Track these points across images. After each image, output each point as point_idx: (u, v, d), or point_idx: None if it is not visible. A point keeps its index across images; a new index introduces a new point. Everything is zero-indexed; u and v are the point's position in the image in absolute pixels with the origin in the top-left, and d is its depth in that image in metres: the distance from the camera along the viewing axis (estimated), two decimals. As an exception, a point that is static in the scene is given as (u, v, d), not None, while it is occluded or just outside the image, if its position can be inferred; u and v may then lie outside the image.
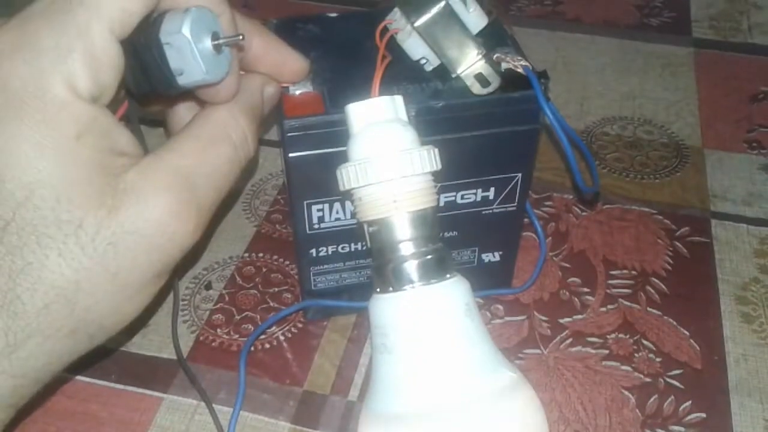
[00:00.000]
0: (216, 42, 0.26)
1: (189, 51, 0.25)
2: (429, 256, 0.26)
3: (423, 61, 0.32)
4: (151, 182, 0.25)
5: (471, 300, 0.27)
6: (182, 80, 0.26)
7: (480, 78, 0.30)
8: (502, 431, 0.25)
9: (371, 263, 0.28)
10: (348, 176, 0.27)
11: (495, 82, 0.31)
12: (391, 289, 0.26)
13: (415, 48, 0.31)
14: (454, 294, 0.27)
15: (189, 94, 0.29)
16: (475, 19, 0.31)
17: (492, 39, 0.32)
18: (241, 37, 0.27)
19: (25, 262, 0.24)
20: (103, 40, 0.24)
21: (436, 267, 0.27)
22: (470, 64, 0.30)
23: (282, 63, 0.31)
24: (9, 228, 0.23)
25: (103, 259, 0.25)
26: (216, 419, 0.32)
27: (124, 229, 0.25)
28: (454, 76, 0.31)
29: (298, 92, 0.31)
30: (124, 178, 0.25)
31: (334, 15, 0.37)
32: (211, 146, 0.27)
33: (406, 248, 0.27)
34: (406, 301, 0.26)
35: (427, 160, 0.27)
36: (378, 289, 0.27)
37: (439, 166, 0.27)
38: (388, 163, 0.26)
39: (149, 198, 0.25)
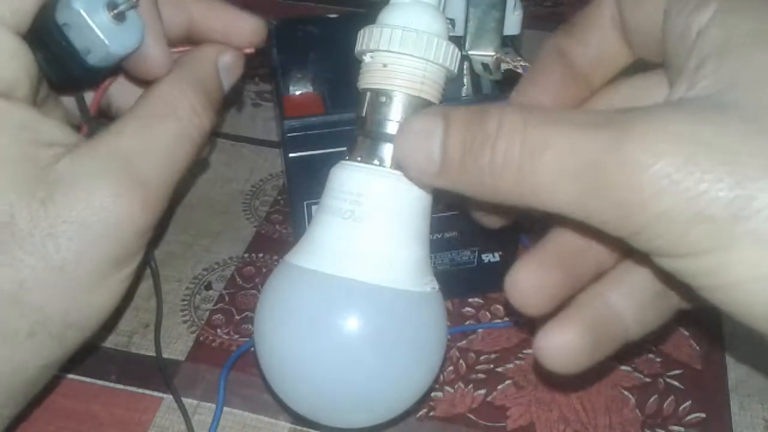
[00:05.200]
0: (115, 11, 0.24)
1: (86, 26, 0.24)
2: None
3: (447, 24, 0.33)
4: (86, 168, 0.24)
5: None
6: (92, 59, 0.25)
7: (485, 67, 0.31)
8: (426, 326, 0.27)
9: (356, 131, 0.27)
10: (390, 38, 0.25)
11: (496, 76, 0.31)
12: (376, 162, 0.26)
13: (457, 3, 0.31)
14: (427, 190, 0.27)
15: (120, 72, 0.28)
16: (513, 22, 0.32)
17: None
18: (133, 1, 0.25)
19: None
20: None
21: None
22: (484, 53, 0.31)
23: (229, 26, 0.30)
24: None
25: (45, 253, 0.24)
26: (186, 416, 0.33)
27: (62, 220, 0.24)
28: (464, 53, 0.31)
29: (298, 92, 0.31)
30: (55, 168, 0.24)
31: (334, 16, 0.38)
32: (153, 123, 0.26)
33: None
34: (395, 179, 0.26)
35: (458, 62, 0.27)
36: (359, 158, 0.26)
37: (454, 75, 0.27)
38: (439, 45, 0.25)
39: (84, 184, 0.24)
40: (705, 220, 0.18)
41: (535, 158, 0.19)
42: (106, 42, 0.24)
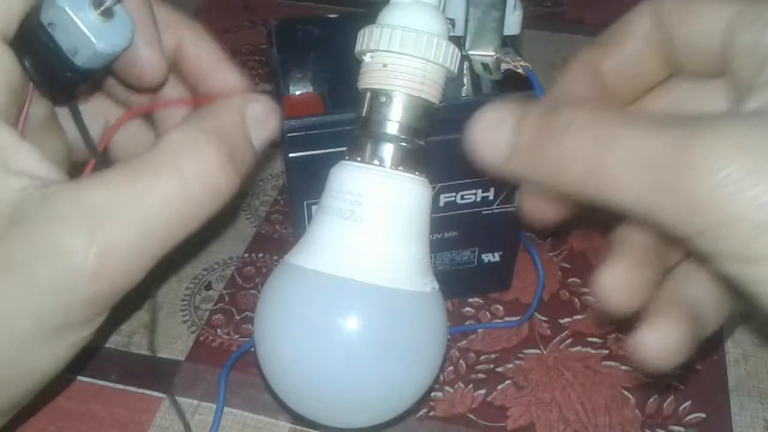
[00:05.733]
0: (102, 8, 0.23)
1: (71, 23, 0.23)
2: (416, 147, 0.26)
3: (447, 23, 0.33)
4: (50, 211, 0.21)
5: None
6: (80, 59, 0.24)
7: (485, 66, 0.31)
8: (426, 326, 0.27)
9: (356, 131, 0.27)
10: (390, 38, 0.25)
11: (496, 76, 0.31)
12: (376, 162, 0.26)
13: (457, 3, 0.31)
14: (428, 190, 0.27)
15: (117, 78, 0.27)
16: (513, 22, 0.32)
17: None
18: None
19: None
20: None
21: (415, 161, 0.27)
22: (484, 53, 0.31)
23: (216, 68, 0.28)
24: None
25: None
26: (183, 417, 0.33)
27: (7, 261, 0.21)
28: (464, 53, 0.31)
29: (298, 92, 0.31)
30: (17, 201, 0.21)
31: (334, 16, 0.38)
32: (145, 177, 0.22)
33: (402, 130, 0.26)
34: (395, 179, 0.26)
35: (457, 62, 0.26)
36: (359, 158, 0.26)
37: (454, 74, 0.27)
38: (439, 45, 0.25)
39: (42, 230, 0.21)
40: None
41: (604, 151, 0.19)
42: (93, 39, 0.23)
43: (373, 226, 0.26)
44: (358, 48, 0.27)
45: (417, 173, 0.26)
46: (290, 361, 0.26)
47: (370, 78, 0.26)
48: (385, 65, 0.26)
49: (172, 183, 0.22)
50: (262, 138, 0.25)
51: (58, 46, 0.24)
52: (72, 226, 0.21)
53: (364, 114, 0.26)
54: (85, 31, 0.23)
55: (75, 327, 0.22)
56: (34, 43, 0.24)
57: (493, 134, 0.22)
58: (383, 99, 0.26)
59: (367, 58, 0.26)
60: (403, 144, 0.26)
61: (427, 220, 0.27)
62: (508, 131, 0.22)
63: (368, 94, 0.26)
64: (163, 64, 0.26)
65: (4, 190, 0.21)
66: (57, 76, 0.25)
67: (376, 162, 0.26)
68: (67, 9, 0.23)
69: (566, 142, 0.20)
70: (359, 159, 0.26)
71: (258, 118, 0.25)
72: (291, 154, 0.30)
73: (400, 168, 0.26)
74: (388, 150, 0.26)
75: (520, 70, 0.30)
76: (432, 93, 0.26)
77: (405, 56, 0.25)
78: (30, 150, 0.22)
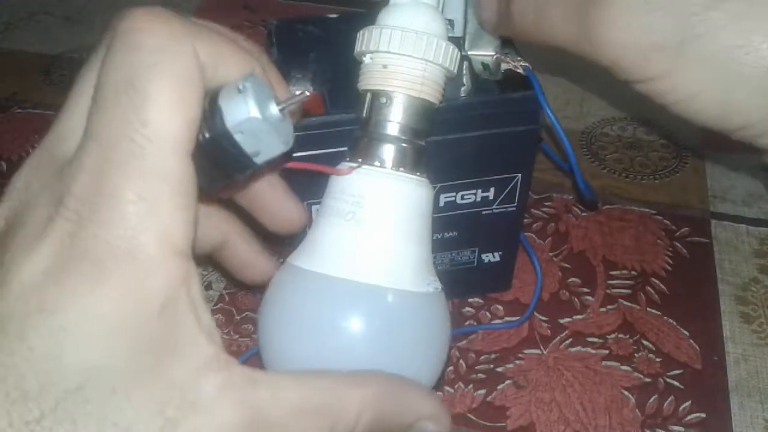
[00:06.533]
0: (281, 107, 0.22)
1: (264, 131, 0.22)
2: (416, 148, 0.26)
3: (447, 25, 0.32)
4: (227, 410, 0.19)
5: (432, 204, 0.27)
6: (260, 159, 0.23)
7: (485, 66, 0.31)
8: (429, 326, 0.27)
9: (356, 132, 0.27)
10: (390, 39, 0.25)
11: (496, 76, 0.31)
12: (377, 163, 0.26)
13: (456, 4, 0.31)
14: (429, 190, 0.27)
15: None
16: None
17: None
18: (307, 93, 0.23)
19: None
20: (182, 167, 0.19)
21: (416, 161, 0.27)
22: (484, 53, 0.31)
23: (282, 207, 0.28)
24: (44, 422, 0.17)
25: None
26: None
27: None
28: (463, 53, 0.31)
29: (298, 92, 0.31)
30: (200, 384, 0.19)
31: (334, 16, 0.38)
32: (306, 409, 0.21)
33: (402, 131, 0.26)
34: (395, 180, 0.26)
35: (457, 62, 0.27)
36: (360, 159, 0.26)
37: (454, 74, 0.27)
38: (439, 45, 0.26)
39: (215, 420, 0.19)
40: (658, 49, 0.24)
41: (544, 5, 0.27)
42: (281, 140, 0.22)
43: (374, 228, 0.26)
44: (357, 49, 0.27)
45: (418, 174, 0.26)
46: (294, 362, 0.26)
47: (370, 79, 0.26)
48: (384, 66, 0.26)
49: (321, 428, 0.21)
50: None
51: (242, 152, 0.22)
52: (238, 417, 0.19)
53: (364, 115, 0.26)
54: (275, 136, 0.22)
55: None
56: (209, 149, 0.22)
57: (489, 7, 0.30)
58: (383, 100, 0.26)
59: (366, 59, 0.26)
60: (404, 145, 0.26)
61: (428, 221, 0.27)
62: (495, 3, 0.29)
63: (368, 95, 0.26)
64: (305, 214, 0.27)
65: (193, 357, 0.19)
66: (228, 178, 0.23)
67: (376, 163, 0.26)
68: (262, 119, 0.21)
69: (521, 4, 0.28)
70: (360, 160, 0.26)
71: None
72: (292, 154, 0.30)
73: (401, 169, 0.26)
74: (388, 151, 0.26)
75: (520, 70, 0.30)
76: (432, 93, 0.26)
77: (405, 57, 0.25)
78: (209, 312, 0.20)
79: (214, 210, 0.27)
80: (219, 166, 0.22)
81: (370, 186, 0.26)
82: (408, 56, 0.25)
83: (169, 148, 0.19)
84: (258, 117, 0.21)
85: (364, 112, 0.26)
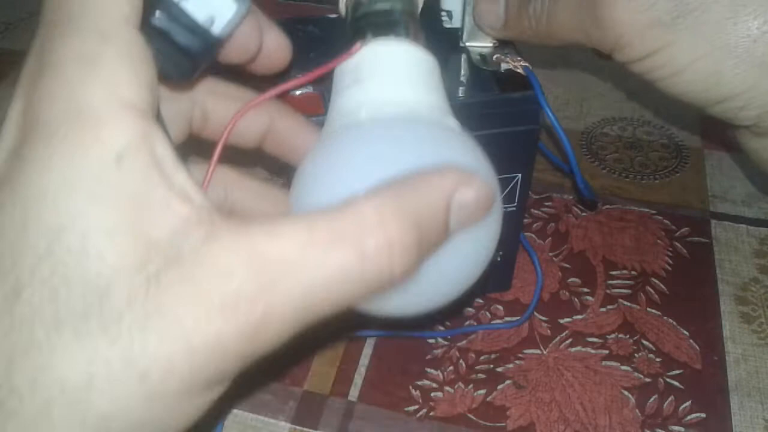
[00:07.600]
0: None
1: None
2: (404, 22, 0.26)
3: (444, 16, 0.32)
4: (214, 260, 0.18)
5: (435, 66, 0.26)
6: (217, 29, 0.22)
7: (483, 58, 0.32)
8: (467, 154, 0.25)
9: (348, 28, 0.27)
10: None
11: (494, 67, 0.32)
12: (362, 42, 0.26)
13: None
14: (428, 55, 0.26)
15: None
16: None
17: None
18: None
19: (31, 341, 0.17)
20: (128, 34, 0.19)
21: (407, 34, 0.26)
22: (482, 44, 0.32)
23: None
24: (24, 294, 0.17)
25: (128, 350, 0.17)
26: None
27: (162, 312, 0.18)
28: (461, 45, 0.31)
29: (298, 92, 0.31)
30: (180, 238, 0.18)
31: (334, 16, 0.37)
32: (321, 242, 0.19)
33: (381, 7, 0.26)
34: (384, 42, 0.25)
35: None
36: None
37: None
38: None
39: (204, 278, 0.18)
40: (656, 25, 0.27)
41: (553, 9, 0.30)
42: (232, 1, 0.21)
43: (377, 78, 0.25)
44: None
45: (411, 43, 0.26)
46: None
47: None
48: None
49: (348, 257, 0.19)
50: (463, 226, 0.22)
51: (193, 21, 0.21)
52: (241, 283, 0.18)
53: (345, 16, 0.27)
54: None
55: (223, 380, 0.20)
56: (161, 25, 0.21)
57: (492, 9, 0.32)
58: None
59: None
60: (386, 18, 0.26)
61: (435, 79, 0.26)
62: (501, 8, 0.31)
63: None
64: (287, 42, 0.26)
65: (167, 216, 0.18)
66: (191, 57, 0.22)
67: (361, 42, 0.25)
68: None
69: (534, 8, 0.31)
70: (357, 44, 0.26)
71: (466, 206, 0.21)
72: (291, 154, 0.30)
73: (390, 35, 0.25)
74: (372, 29, 0.26)
75: (520, 70, 0.30)
76: None
77: None
78: (186, 171, 0.19)
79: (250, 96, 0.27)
80: (180, 48, 0.22)
81: (362, 55, 0.25)
82: None
83: (110, 14, 0.19)
84: None
85: (344, 13, 0.27)
